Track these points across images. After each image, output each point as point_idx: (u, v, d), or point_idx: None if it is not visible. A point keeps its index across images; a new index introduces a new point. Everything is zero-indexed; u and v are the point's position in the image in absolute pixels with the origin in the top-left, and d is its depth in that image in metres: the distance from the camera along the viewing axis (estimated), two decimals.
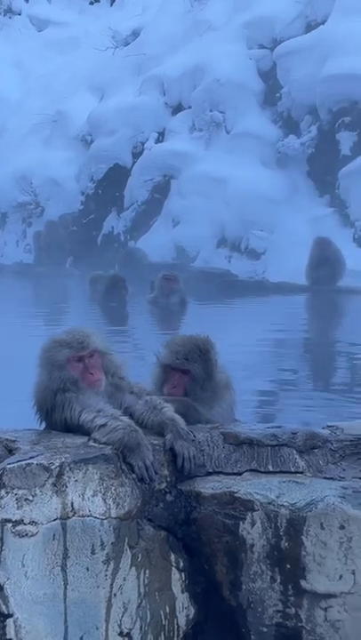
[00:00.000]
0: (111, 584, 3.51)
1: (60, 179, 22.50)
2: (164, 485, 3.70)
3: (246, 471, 3.78)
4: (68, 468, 3.53)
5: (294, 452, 3.83)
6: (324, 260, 15.86)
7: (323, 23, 19.56)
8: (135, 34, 23.89)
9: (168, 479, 3.72)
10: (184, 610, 3.67)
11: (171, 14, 22.58)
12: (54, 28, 27.34)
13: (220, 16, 21.34)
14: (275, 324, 12.58)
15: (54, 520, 3.47)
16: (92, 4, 28.12)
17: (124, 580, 3.54)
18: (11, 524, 3.44)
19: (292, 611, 3.60)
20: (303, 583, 3.60)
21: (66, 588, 3.46)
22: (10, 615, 3.43)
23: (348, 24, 18.77)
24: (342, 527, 3.57)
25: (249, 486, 3.68)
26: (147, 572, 3.59)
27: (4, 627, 3.42)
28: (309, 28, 19.87)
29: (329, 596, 3.58)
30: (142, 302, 14.58)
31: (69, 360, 4.01)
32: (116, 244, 21.07)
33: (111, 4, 27.63)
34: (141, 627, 3.57)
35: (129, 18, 24.69)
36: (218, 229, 19.04)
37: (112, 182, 21.52)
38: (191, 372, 4.23)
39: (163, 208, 20.22)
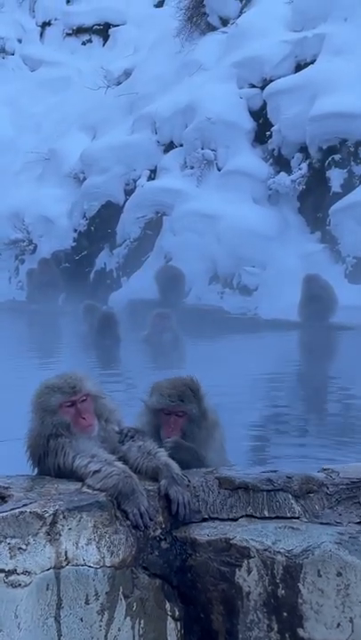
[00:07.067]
0: (106, 635, 3.44)
1: (53, 216, 22.60)
2: (158, 532, 3.66)
3: (242, 517, 3.74)
4: (61, 516, 3.48)
5: (290, 496, 3.79)
6: (316, 297, 15.90)
7: (312, 63, 19.83)
8: (127, 73, 24.18)
9: (163, 526, 3.68)
10: None
11: (162, 54, 22.88)
12: (47, 68, 27.64)
13: (211, 56, 21.62)
14: (268, 361, 12.56)
15: (48, 570, 3.41)
16: (84, 44, 28.48)
17: (119, 630, 3.48)
18: (3, 574, 3.38)
19: None
20: (301, 632, 3.54)
21: (60, 639, 3.39)
22: None
23: (337, 64, 19.05)
24: (339, 574, 3.53)
25: (245, 532, 3.63)
26: (142, 621, 3.53)
27: None
28: (299, 67, 20.14)
29: None
30: (136, 339, 14.56)
31: (61, 405, 3.99)
32: (108, 281, 21.10)
33: (103, 45, 27.98)
34: None
35: (121, 58, 25.01)
36: (210, 266, 19.09)
37: (104, 219, 21.61)
38: (187, 414, 4.22)
39: (155, 245, 20.30)
